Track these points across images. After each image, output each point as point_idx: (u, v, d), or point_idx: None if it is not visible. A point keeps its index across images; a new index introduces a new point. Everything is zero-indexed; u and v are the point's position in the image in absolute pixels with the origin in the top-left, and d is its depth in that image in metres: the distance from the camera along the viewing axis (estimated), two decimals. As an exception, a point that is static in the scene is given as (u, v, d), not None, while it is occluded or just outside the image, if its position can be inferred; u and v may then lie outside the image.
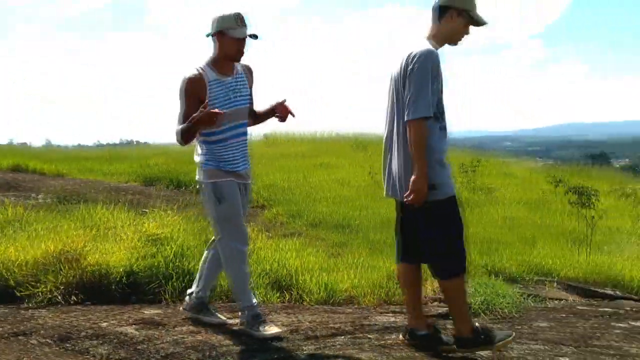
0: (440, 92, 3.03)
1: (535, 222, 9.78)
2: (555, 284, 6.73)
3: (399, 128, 3.03)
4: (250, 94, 3.45)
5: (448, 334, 3.28)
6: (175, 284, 4.23)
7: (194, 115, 3.06)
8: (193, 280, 4.45)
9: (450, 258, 3.04)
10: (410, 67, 2.93)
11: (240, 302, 3.26)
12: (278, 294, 4.78)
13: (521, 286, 6.28)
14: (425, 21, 3.19)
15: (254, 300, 3.27)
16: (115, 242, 4.54)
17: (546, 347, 3.53)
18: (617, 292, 6.94)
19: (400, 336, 3.18)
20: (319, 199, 9.75)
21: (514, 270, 6.65)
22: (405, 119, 2.92)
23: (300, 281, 4.96)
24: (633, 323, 4.72)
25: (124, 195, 7.88)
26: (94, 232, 4.73)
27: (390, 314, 4.33)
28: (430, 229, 3.02)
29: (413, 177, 2.87)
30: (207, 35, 3.26)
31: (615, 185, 13.50)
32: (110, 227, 5.09)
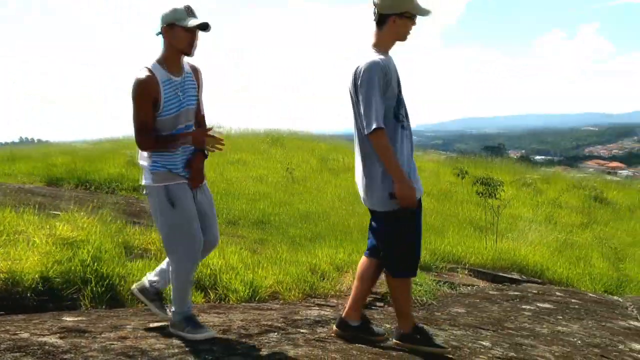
0: (398, 94, 3.09)
1: (443, 212, 10.24)
2: (466, 271, 7.11)
3: (359, 140, 3.09)
4: (198, 96, 3.26)
5: (379, 324, 3.40)
6: (94, 288, 4.07)
7: (186, 133, 3.02)
8: (112, 284, 4.33)
9: (403, 260, 3.11)
10: (358, 82, 2.99)
11: (175, 306, 3.12)
12: (202, 294, 4.73)
13: (435, 274, 6.58)
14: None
15: (190, 305, 3.17)
16: (27, 248, 4.29)
17: (467, 332, 3.73)
18: (522, 276, 7.44)
19: (334, 327, 3.23)
20: (236, 196, 9.67)
21: (427, 259, 6.93)
22: (364, 134, 2.97)
23: (225, 280, 4.93)
24: (540, 305, 5.08)
25: (31, 197, 7.44)
26: (4, 238, 4.45)
27: (316, 307, 4.41)
28: (388, 232, 3.09)
29: (396, 186, 2.90)
30: (158, 34, 3.09)
31: (516, 175, 14.39)
32: (19, 231, 4.80)
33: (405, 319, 3.15)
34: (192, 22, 3.00)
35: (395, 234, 3.06)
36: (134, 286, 3.49)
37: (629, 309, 5.50)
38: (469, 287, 6.30)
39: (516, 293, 5.84)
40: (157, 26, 3.09)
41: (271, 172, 11.39)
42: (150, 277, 3.42)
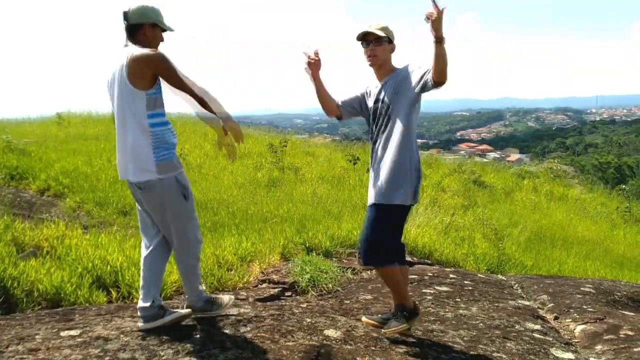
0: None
1: (338, 198, 10.45)
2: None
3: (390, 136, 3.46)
4: None
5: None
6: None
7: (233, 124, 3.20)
8: (4, 287, 4.02)
9: (384, 251, 3.42)
10: (408, 68, 3.43)
11: (196, 292, 3.38)
12: (105, 293, 4.50)
13: (336, 259, 6.72)
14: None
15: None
16: None
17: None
18: (414, 258, 7.80)
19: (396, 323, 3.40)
20: (125, 184, 9.22)
21: (327, 245, 7.06)
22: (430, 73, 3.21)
23: (127, 277, 4.72)
24: (438, 288, 5.36)
25: None
26: None
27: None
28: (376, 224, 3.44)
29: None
30: (131, 27, 3.12)
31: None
32: None
33: (402, 298, 3.50)
34: (171, 27, 3.21)
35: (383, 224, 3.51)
36: (140, 324, 3.28)
37: (514, 287, 5.96)
38: (368, 272, 6.50)
39: (414, 276, 6.09)
40: (129, 20, 3.11)
41: (163, 158, 10.99)
42: (148, 304, 3.29)
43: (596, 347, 3.89)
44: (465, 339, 3.54)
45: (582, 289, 5.67)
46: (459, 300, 4.85)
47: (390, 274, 3.47)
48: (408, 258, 7.72)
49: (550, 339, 3.90)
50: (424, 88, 3.28)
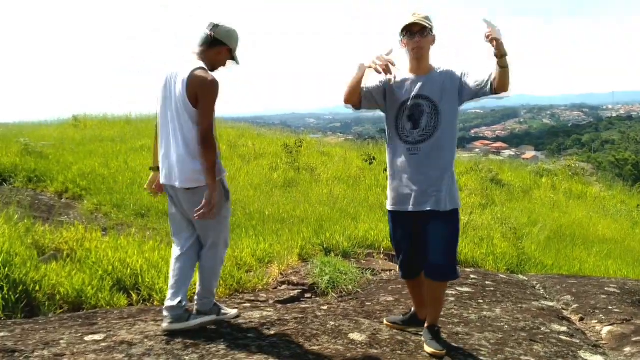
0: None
1: (355, 198, 10.40)
2: (381, 255, 7.29)
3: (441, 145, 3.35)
4: None
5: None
6: (6, 296, 3.74)
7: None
8: (26, 290, 4.03)
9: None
10: (458, 72, 3.34)
11: (210, 294, 3.50)
12: (125, 296, 4.50)
13: (354, 260, 6.68)
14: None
15: None
16: None
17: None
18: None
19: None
20: (144, 186, 9.25)
21: (345, 246, 7.02)
22: (490, 86, 3.18)
23: (147, 279, 4.71)
24: (459, 289, 5.28)
25: None
26: None
27: (250, 305, 4.31)
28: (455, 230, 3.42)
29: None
30: (210, 42, 3.30)
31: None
32: None
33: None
34: (238, 59, 3.41)
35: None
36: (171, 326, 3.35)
37: (536, 287, 5.87)
38: (388, 273, 6.45)
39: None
40: (215, 31, 3.28)
41: (179, 159, 11.01)
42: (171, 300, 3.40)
43: (625, 350, 3.81)
44: (491, 342, 3.48)
45: (606, 289, 5.57)
46: (481, 301, 4.79)
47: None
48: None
49: (577, 341, 3.83)
50: (476, 95, 3.26)
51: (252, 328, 3.22)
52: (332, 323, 3.52)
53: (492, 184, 13.54)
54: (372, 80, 3.36)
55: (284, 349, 2.93)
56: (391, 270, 6.62)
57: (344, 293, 5.26)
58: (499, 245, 8.70)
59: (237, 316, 3.64)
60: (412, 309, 3.71)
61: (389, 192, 3.46)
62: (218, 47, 3.30)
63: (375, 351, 3.02)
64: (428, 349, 3.22)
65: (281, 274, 5.79)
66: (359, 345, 3.08)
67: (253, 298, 4.77)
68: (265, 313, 3.67)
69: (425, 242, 3.31)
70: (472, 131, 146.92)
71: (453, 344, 3.33)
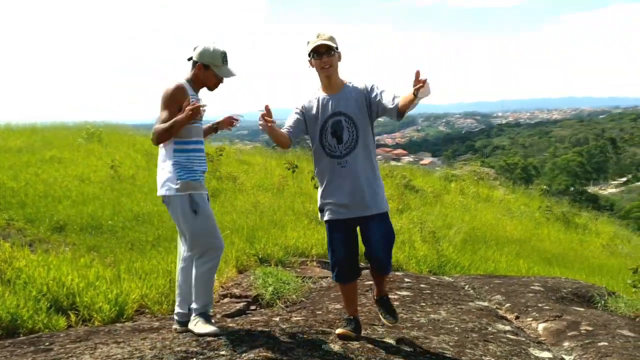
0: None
1: (280, 206, 10.39)
2: (314, 263, 7.35)
3: (369, 152, 3.64)
4: None
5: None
6: None
7: (179, 116, 3.36)
8: None
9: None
10: (368, 85, 3.61)
11: (199, 303, 3.54)
12: (64, 318, 4.24)
13: (290, 269, 6.68)
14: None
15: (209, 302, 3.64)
16: None
17: (367, 330, 3.86)
18: (361, 264, 7.88)
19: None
20: (58, 199, 8.72)
21: (280, 255, 7.01)
22: (394, 105, 3.47)
23: (87, 299, 4.47)
24: (399, 293, 5.43)
25: None
26: None
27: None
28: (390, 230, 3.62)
29: None
30: (189, 59, 3.61)
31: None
32: None
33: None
34: (225, 73, 3.60)
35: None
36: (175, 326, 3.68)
37: (465, 288, 6.16)
38: (325, 280, 6.52)
39: (371, 282, 6.16)
40: (193, 54, 3.59)
41: (93, 170, 10.43)
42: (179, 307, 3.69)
43: (564, 344, 4.10)
44: (450, 344, 3.62)
45: (531, 287, 5.95)
46: (424, 304, 4.95)
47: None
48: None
49: (523, 338, 4.07)
50: (384, 113, 3.58)
51: (223, 345, 3.13)
52: (302, 336, 3.51)
53: (407, 190, 14.02)
54: (291, 117, 3.66)
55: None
56: (327, 277, 6.69)
57: (289, 303, 5.25)
58: (420, 249, 8.99)
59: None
60: (349, 316, 3.78)
61: (323, 204, 3.66)
62: (195, 66, 3.59)
63: (353, 360, 3.05)
64: (384, 320, 3.77)
65: (222, 287, 5.68)
66: (335, 356, 3.10)
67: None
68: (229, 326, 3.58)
69: (366, 242, 3.62)
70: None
71: (419, 349, 3.43)
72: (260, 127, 3.40)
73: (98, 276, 5.04)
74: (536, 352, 3.71)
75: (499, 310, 5.13)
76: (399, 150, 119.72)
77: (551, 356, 3.70)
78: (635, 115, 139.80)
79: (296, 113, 3.65)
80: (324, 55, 3.48)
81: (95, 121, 14.99)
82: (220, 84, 3.68)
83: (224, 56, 3.58)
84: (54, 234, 7.69)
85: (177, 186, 3.44)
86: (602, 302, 5.63)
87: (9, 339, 3.77)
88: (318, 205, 3.70)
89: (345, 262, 3.62)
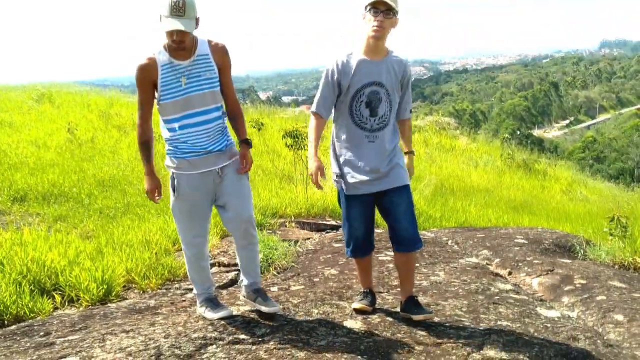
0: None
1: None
2: (293, 224, 7.23)
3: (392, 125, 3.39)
4: (222, 78, 3.20)
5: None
6: None
7: (147, 185, 3.27)
8: None
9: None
10: (408, 73, 3.38)
11: (199, 285, 3.43)
12: (50, 300, 3.99)
13: (269, 231, 6.54)
14: None
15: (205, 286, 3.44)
16: None
17: (378, 300, 3.76)
18: (338, 221, 7.82)
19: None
20: (14, 167, 8.25)
21: (259, 218, 6.84)
22: (404, 117, 3.46)
23: (72, 278, 4.21)
24: (389, 253, 5.37)
25: None
26: None
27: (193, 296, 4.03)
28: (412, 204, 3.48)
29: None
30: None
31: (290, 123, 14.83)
32: None
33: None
34: (167, 27, 2.91)
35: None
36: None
37: (449, 243, 6.18)
38: (308, 241, 6.42)
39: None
40: None
41: (48, 134, 9.88)
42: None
43: (563, 300, 4.13)
44: (463, 310, 3.58)
45: (515, 240, 6.01)
46: (418, 264, 4.91)
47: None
48: (332, 221, 7.74)
49: (526, 297, 4.09)
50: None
51: (241, 327, 2.98)
52: (316, 310, 3.39)
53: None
54: (322, 90, 3.35)
55: (295, 349, 2.74)
56: (309, 238, 6.59)
57: (280, 269, 5.13)
58: (394, 203, 8.96)
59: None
60: (364, 289, 3.68)
61: (343, 175, 3.38)
62: None
63: (378, 338, 2.96)
64: (417, 317, 3.28)
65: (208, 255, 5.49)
66: (359, 334, 3.00)
67: (191, 286, 4.48)
68: (242, 308, 3.42)
69: (391, 217, 3.38)
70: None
71: (436, 319, 3.38)
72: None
73: (78, 252, 4.76)
74: (544, 312, 3.72)
75: (490, 267, 5.15)
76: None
77: (559, 315, 3.72)
78: (577, 59, 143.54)
79: (328, 85, 3.30)
80: (381, 14, 3.13)
81: (42, 82, 14.15)
82: (177, 40, 2.97)
83: (173, 6, 2.90)
84: (14, 205, 7.29)
85: (166, 161, 3.30)
86: (582, 251, 5.74)
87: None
88: (334, 171, 3.44)
89: (363, 238, 3.45)
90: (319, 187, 3.28)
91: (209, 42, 3.17)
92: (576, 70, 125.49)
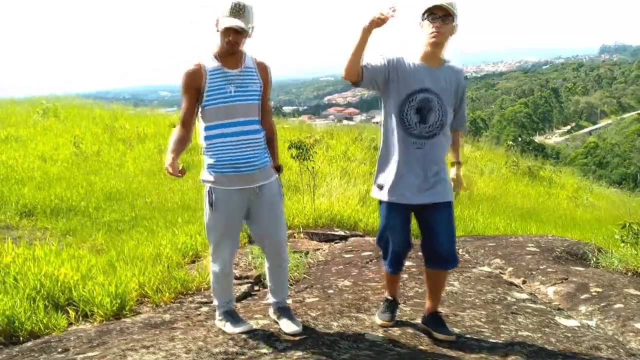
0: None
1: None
2: (302, 234, 7.21)
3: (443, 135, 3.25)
4: (261, 93, 3.20)
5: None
6: None
7: (168, 164, 2.96)
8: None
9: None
10: (463, 84, 3.30)
11: (219, 299, 3.39)
12: (64, 316, 3.97)
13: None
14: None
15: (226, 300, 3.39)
16: None
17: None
18: (346, 232, 7.80)
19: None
20: (22, 181, 8.25)
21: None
22: (458, 128, 3.41)
23: (85, 293, 4.19)
24: (406, 263, 5.34)
25: None
26: None
27: (208, 309, 4.00)
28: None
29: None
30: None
31: (302, 133, 14.87)
32: None
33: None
34: (226, 23, 2.95)
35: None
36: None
37: (460, 252, 6.13)
38: (319, 252, 6.39)
39: (367, 253, 6.07)
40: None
41: (54, 148, 9.90)
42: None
43: (580, 309, 4.10)
44: (482, 320, 3.56)
45: (527, 249, 5.98)
46: (431, 275, 4.88)
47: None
48: (340, 232, 7.72)
49: (544, 306, 4.06)
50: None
51: (262, 342, 2.95)
52: (335, 323, 3.36)
53: (375, 152, 13.95)
54: (375, 59, 3.13)
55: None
56: (319, 249, 6.57)
57: (292, 281, 5.10)
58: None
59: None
60: (389, 297, 3.63)
61: (384, 183, 3.27)
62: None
63: (401, 350, 2.94)
64: (439, 335, 3.21)
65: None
66: (382, 347, 2.98)
67: (205, 300, 4.46)
68: (261, 322, 3.39)
69: (430, 233, 3.28)
70: (326, 99, 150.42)
71: (456, 330, 3.35)
72: (380, 15, 2.81)
73: (90, 267, 4.75)
74: (563, 321, 3.69)
75: (503, 275, 5.12)
76: (351, 109, 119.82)
77: (579, 324, 3.69)
78: (577, 65, 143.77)
79: (382, 60, 3.12)
80: (439, 20, 3.03)
81: (48, 95, 14.19)
82: (234, 40, 2.99)
83: (234, 7, 2.95)
84: (22, 220, 7.29)
85: (204, 175, 3.24)
86: (594, 259, 5.71)
87: (9, 344, 3.50)
88: (376, 179, 3.37)
89: (403, 253, 3.40)
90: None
91: (254, 58, 3.21)
92: (576, 76, 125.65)
